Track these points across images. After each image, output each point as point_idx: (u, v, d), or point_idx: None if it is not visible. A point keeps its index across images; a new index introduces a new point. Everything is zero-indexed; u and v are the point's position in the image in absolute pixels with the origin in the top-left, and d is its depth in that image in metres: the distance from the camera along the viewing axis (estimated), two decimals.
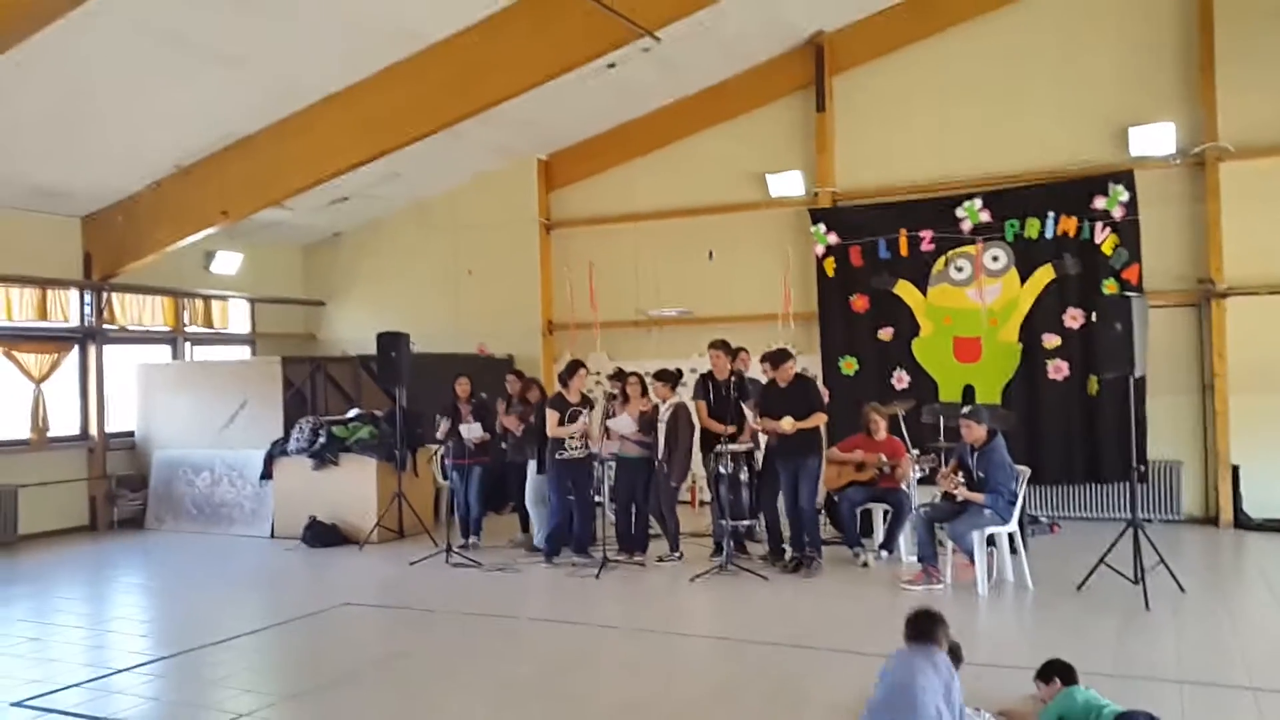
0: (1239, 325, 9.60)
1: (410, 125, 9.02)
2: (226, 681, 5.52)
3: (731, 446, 8.15)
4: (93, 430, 11.15)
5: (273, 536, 10.29)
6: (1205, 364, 9.80)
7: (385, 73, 8.97)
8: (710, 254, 11.62)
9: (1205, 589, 7.14)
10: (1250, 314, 9.57)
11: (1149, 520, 6.99)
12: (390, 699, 5.16)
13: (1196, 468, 9.88)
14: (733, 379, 8.49)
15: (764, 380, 8.49)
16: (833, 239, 11.10)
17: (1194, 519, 9.84)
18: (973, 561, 7.26)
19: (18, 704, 5.16)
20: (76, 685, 5.46)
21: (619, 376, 8.95)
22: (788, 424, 7.82)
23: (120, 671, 5.74)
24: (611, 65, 10.10)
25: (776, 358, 8.12)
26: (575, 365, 8.81)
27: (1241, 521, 9.52)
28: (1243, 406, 9.59)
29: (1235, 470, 9.61)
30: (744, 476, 8.31)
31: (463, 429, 9.07)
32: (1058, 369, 10.27)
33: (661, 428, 8.49)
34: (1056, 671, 4.57)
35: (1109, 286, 9.91)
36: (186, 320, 12.39)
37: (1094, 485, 10.17)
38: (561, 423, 8.45)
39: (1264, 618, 6.39)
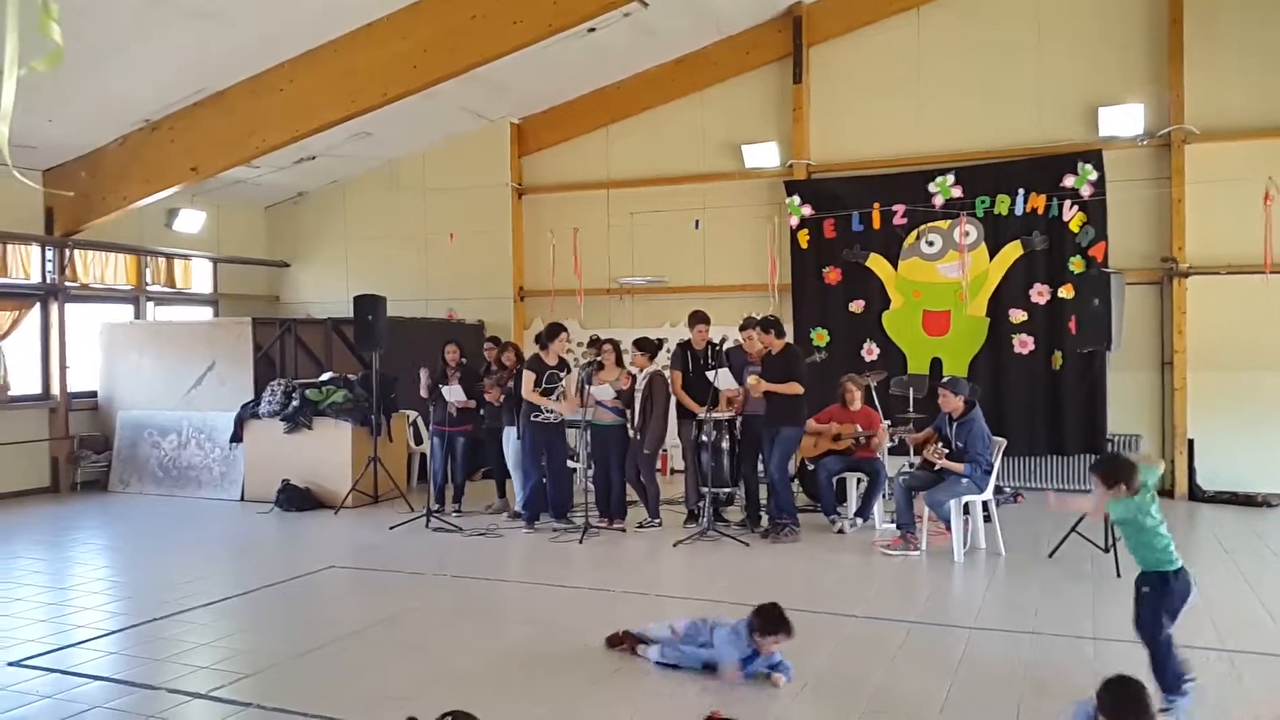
0: (1199, 304, 9.90)
1: (392, 84, 8.83)
2: (222, 643, 5.47)
3: (714, 414, 8.25)
4: (55, 390, 10.90)
5: (242, 500, 10.19)
6: (1165, 341, 10.12)
7: (367, 29, 8.76)
8: (697, 223, 11.63)
9: None
10: (1210, 293, 9.88)
11: None
12: (399, 656, 5.18)
13: (1154, 441, 10.22)
14: (709, 349, 8.61)
15: (734, 347, 8.62)
16: (807, 211, 11.19)
17: None
18: (949, 528, 7.47)
19: (15, 663, 5.09)
20: (71, 646, 5.40)
21: (595, 344, 8.98)
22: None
23: (112, 633, 5.68)
24: (592, 29, 10.04)
25: (771, 325, 8.26)
26: (556, 328, 8.78)
27: (1195, 493, 9.88)
28: (1199, 382, 9.92)
29: (1190, 444, 9.96)
30: (725, 444, 8.45)
31: (444, 391, 9.00)
32: (1023, 343, 10.52)
33: (637, 396, 8.56)
34: (1124, 476, 4.22)
35: (1076, 264, 10.18)
36: (149, 279, 12.12)
37: (1055, 457, 10.48)
38: (538, 384, 8.45)
39: (1227, 584, 6.67)
